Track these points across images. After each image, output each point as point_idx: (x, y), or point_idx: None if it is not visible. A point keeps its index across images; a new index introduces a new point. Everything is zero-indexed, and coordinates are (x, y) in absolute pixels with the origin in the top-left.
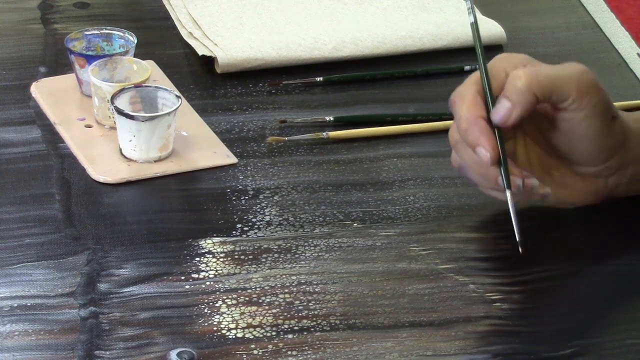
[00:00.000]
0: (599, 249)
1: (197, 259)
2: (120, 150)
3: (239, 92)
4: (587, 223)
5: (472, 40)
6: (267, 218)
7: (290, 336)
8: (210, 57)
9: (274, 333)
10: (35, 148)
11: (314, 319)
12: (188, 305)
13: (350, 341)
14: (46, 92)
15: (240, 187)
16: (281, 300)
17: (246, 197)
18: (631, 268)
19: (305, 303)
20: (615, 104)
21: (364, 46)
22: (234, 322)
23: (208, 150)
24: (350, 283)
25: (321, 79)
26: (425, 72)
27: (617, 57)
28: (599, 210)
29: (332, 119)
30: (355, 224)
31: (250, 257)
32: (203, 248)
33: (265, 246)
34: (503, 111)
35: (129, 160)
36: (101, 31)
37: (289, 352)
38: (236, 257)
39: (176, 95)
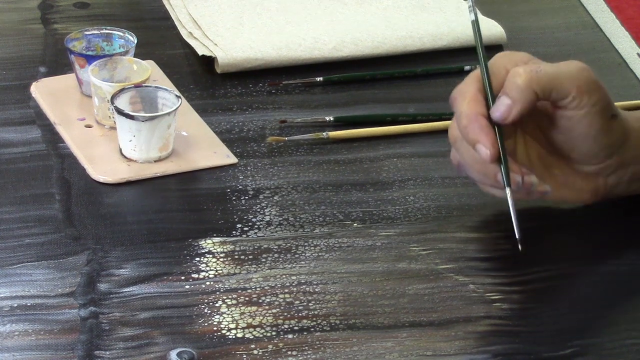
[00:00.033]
0: (599, 249)
1: (197, 259)
2: (120, 150)
3: (239, 92)
4: (587, 223)
5: (473, 40)
6: (267, 218)
7: (290, 336)
8: (210, 57)
9: (274, 333)
10: (35, 148)
11: (314, 319)
12: (188, 305)
13: (350, 341)
14: (46, 92)
15: (240, 187)
16: (281, 300)
17: (246, 197)
18: (631, 268)
19: (305, 303)
20: (615, 103)
21: (364, 46)
22: (234, 322)
23: (208, 150)
24: (350, 283)
25: (321, 79)
26: (425, 72)
27: (617, 57)
28: (599, 210)
29: (332, 119)
30: (355, 224)
31: (250, 257)
32: (203, 248)
33: (265, 246)
34: (503, 108)
35: (129, 160)
36: (101, 31)
37: (289, 352)
38: (236, 257)
39: (176, 95)
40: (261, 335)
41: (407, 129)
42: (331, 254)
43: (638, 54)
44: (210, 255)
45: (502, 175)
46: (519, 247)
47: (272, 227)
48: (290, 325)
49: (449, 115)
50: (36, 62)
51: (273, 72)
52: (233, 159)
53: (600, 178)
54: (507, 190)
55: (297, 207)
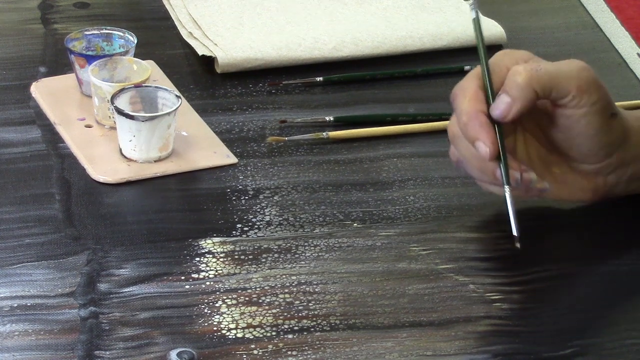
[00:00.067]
0: (599, 249)
1: (197, 259)
2: (120, 150)
3: (239, 92)
4: (587, 223)
5: (473, 39)
6: (267, 218)
7: (290, 336)
8: (210, 57)
9: (274, 333)
10: (35, 148)
11: (314, 319)
12: (188, 305)
13: (350, 341)
14: (46, 92)
15: (240, 187)
16: (281, 300)
17: (246, 197)
18: (631, 268)
19: (305, 303)
20: (615, 103)
21: (364, 46)
22: (234, 322)
23: (208, 150)
24: (350, 283)
25: (321, 79)
26: (425, 72)
27: (617, 57)
28: (599, 210)
29: (332, 119)
30: (355, 224)
31: (250, 257)
32: (203, 248)
33: (265, 246)
34: (503, 106)
35: (129, 160)
36: (101, 31)
37: (289, 352)
38: (236, 257)
39: (176, 95)
40: (261, 335)
41: (407, 129)
42: (331, 254)
43: (638, 54)
44: (210, 255)
45: (502, 173)
46: (517, 245)
47: (272, 227)
48: (290, 325)
49: (448, 115)
50: (36, 62)
51: (273, 72)
52: (233, 159)
53: (599, 177)
54: (506, 189)
55: (297, 207)
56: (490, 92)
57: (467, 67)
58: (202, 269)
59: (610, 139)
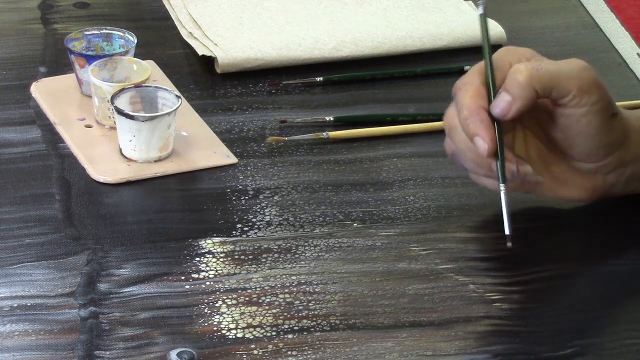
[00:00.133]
0: (599, 249)
1: (197, 259)
2: (120, 150)
3: (239, 92)
4: (587, 223)
5: (473, 39)
6: (267, 218)
7: (290, 336)
8: (210, 57)
9: (274, 333)
10: (35, 148)
11: (314, 319)
12: (188, 305)
13: (350, 341)
14: (46, 92)
15: (240, 187)
16: (281, 300)
17: (246, 197)
18: (631, 268)
19: (305, 303)
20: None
21: (364, 46)
22: (234, 322)
23: (208, 150)
24: (350, 283)
25: (321, 79)
26: (425, 72)
27: (617, 57)
28: (599, 210)
29: (332, 119)
30: (355, 224)
31: (250, 257)
32: (203, 248)
33: (265, 246)
34: (503, 104)
35: (129, 160)
36: (101, 31)
37: (289, 352)
38: (236, 257)
39: (176, 95)
40: (261, 335)
41: (407, 129)
42: (331, 254)
43: (638, 54)
44: (210, 255)
45: (498, 171)
46: (508, 244)
47: (272, 227)
48: (290, 325)
49: None
50: (36, 62)
51: (273, 72)
52: (233, 159)
53: (599, 176)
54: (502, 187)
55: (297, 207)
56: (492, 89)
57: (467, 67)
58: (202, 269)
59: (611, 139)
